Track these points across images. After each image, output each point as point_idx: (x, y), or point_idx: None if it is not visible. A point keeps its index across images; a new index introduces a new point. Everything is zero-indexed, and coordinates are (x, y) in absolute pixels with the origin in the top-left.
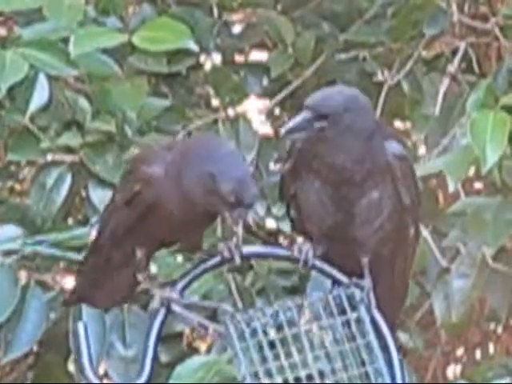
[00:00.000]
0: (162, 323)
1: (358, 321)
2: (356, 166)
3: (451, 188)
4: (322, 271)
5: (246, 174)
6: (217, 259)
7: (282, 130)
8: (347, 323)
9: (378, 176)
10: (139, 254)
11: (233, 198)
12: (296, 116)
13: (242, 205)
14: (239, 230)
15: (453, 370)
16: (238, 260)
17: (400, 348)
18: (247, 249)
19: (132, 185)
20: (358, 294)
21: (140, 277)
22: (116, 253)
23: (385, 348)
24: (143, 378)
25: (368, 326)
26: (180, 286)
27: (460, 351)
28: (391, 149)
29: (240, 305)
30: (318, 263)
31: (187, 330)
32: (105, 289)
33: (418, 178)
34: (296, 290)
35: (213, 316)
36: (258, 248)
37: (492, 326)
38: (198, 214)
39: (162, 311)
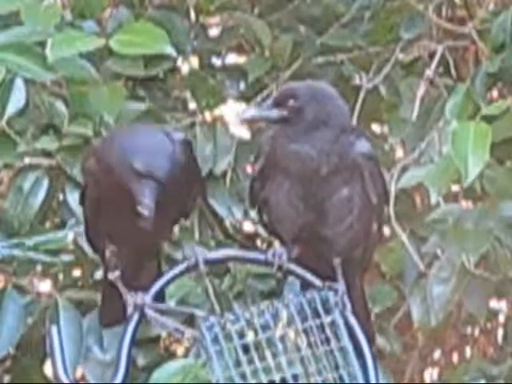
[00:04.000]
0: (137, 326)
1: (333, 324)
2: (321, 157)
3: (433, 200)
4: (296, 275)
5: (158, 148)
6: (183, 266)
7: (241, 115)
8: (321, 327)
9: (347, 172)
10: (108, 253)
11: (142, 168)
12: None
13: (152, 178)
14: (148, 204)
15: (430, 374)
16: (202, 267)
17: (377, 352)
18: (221, 253)
19: (84, 181)
20: (332, 297)
21: (111, 276)
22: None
23: (359, 351)
24: (118, 379)
25: (342, 330)
26: (152, 291)
27: (437, 354)
28: (360, 147)
29: (217, 309)
30: (292, 267)
31: (164, 334)
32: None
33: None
34: (273, 294)
35: (189, 320)
36: (231, 252)
37: (469, 329)
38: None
39: (136, 314)
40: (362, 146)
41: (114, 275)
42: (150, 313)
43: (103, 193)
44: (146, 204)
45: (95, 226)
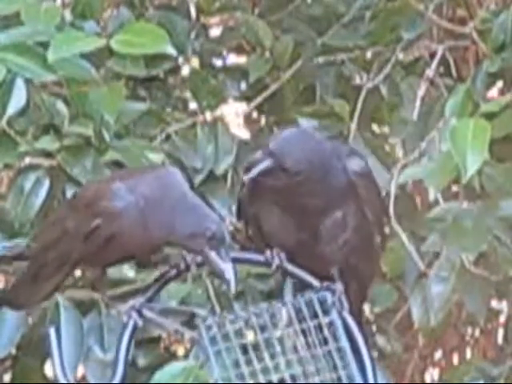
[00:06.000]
0: (135, 327)
1: (331, 325)
2: (317, 201)
3: (432, 196)
4: (294, 275)
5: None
6: (173, 272)
7: (245, 177)
8: (319, 327)
9: (341, 197)
10: (95, 273)
11: (219, 235)
12: (260, 162)
13: (223, 243)
14: (229, 266)
15: (430, 374)
16: (193, 270)
17: (378, 352)
18: None
19: (90, 219)
20: (329, 297)
21: (100, 297)
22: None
23: (357, 352)
24: (116, 380)
25: (340, 330)
26: (148, 294)
27: (438, 355)
28: (353, 166)
29: (218, 309)
30: (291, 267)
31: (164, 335)
32: (28, 290)
33: (381, 191)
34: (273, 295)
35: (189, 321)
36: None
37: (469, 329)
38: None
39: (134, 314)
40: (355, 164)
41: (103, 296)
42: (148, 314)
43: (121, 237)
44: (233, 278)
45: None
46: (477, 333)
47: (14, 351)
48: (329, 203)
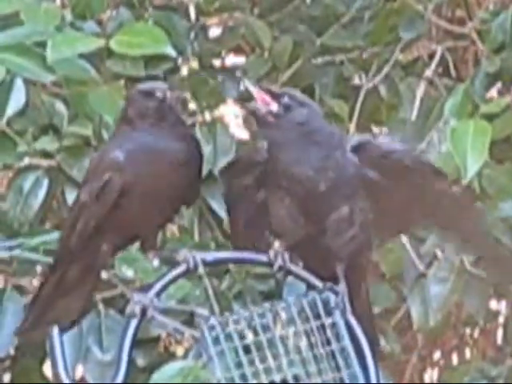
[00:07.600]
0: (138, 326)
1: (333, 325)
2: (318, 175)
3: None
4: (297, 276)
5: None
6: (182, 268)
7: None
8: (322, 328)
9: (347, 188)
10: (105, 248)
11: None
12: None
13: None
14: None
15: (430, 375)
16: (201, 270)
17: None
18: (221, 254)
19: (100, 176)
20: (332, 298)
21: (106, 274)
22: (73, 268)
23: (360, 352)
24: (119, 379)
25: (343, 331)
26: (151, 293)
27: (437, 355)
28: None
29: (217, 309)
30: (294, 268)
31: (164, 334)
32: (56, 313)
33: None
34: (273, 295)
35: (189, 320)
36: (231, 254)
37: (469, 330)
38: (172, 193)
39: (138, 314)
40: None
41: (109, 273)
42: (151, 313)
43: (135, 183)
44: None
45: (104, 222)
46: (476, 333)
47: (13, 352)
48: (334, 191)
